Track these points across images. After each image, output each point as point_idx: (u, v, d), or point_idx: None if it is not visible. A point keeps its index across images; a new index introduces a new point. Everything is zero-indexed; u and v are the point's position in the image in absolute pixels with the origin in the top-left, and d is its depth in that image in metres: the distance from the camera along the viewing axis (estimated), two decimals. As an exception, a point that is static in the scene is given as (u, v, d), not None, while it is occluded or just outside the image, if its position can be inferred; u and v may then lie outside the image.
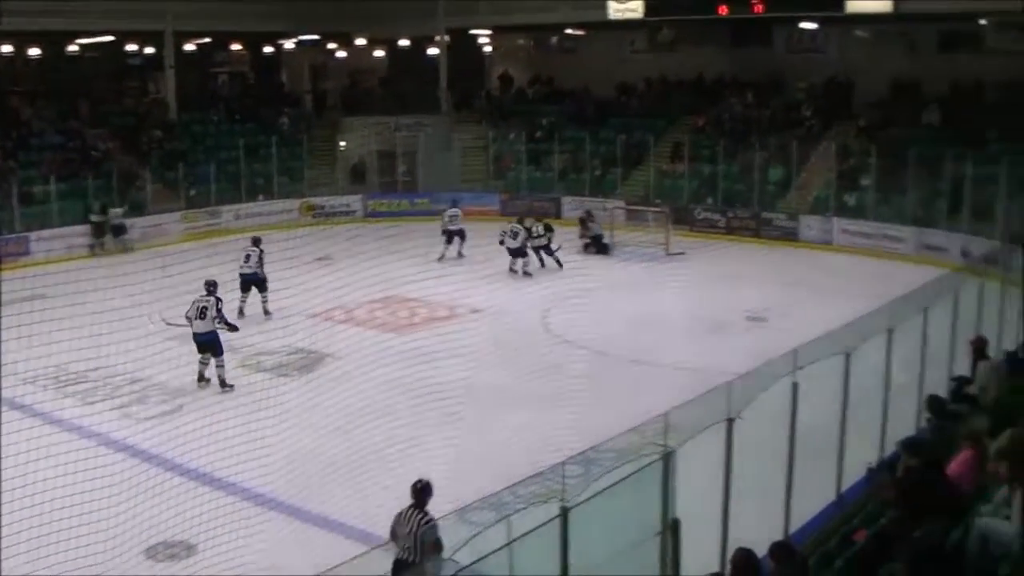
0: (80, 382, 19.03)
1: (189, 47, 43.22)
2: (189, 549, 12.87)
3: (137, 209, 35.63)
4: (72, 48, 41.42)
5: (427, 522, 10.69)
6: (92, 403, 18.22)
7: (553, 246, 30.21)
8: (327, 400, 15.71)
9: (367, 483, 13.81)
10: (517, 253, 29.49)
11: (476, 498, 9.26)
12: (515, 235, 29.57)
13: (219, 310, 19.67)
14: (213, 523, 12.47)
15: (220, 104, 43.59)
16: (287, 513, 13.93)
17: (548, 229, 30.87)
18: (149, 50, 42.83)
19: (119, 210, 34.22)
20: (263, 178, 39.72)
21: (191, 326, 19.42)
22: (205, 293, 19.66)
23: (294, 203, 38.89)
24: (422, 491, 10.99)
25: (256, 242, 24.93)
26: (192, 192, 37.56)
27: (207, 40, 43.94)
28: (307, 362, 20.56)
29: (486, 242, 29.70)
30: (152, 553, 12.80)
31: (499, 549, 7.70)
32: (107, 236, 33.62)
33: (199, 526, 12.54)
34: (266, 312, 24.25)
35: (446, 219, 32.11)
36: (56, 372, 18.70)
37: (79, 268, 24.68)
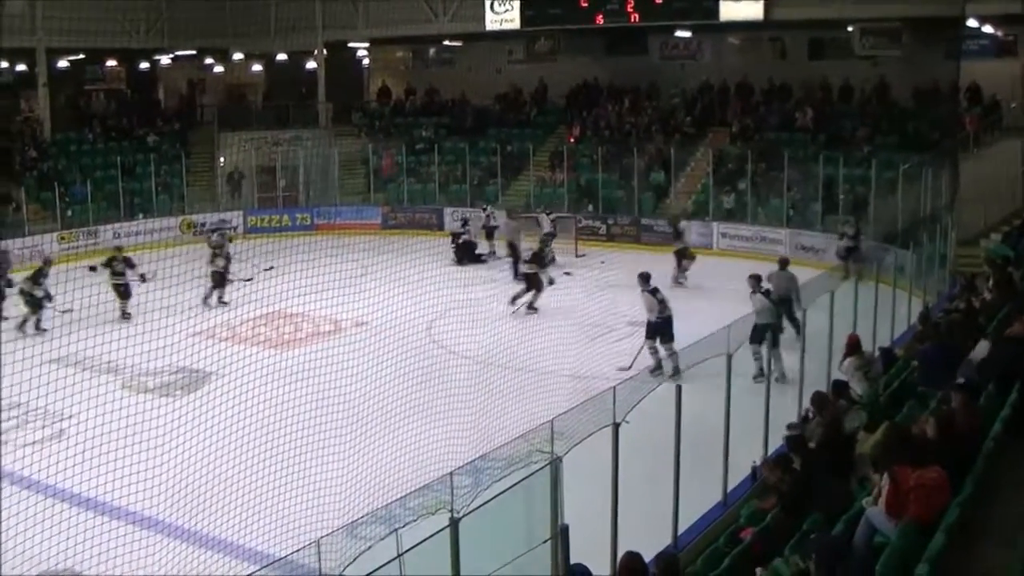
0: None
1: (62, 64, 42.39)
2: (77, 578, 12.60)
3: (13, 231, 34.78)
4: (-62, 66, 40.40)
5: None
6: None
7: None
8: (213, 419, 15.53)
9: (256, 502, 13.71)
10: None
11: (365, 512, 9.24)
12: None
13: None
14: (101, 550, 12.26)
15: (95, 121, 42.73)
16: (176, 536, 13.74)
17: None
18: (21, 67, 41.96)
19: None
20: (141, 196, 39.16)
21: None
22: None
23: (174, 221, 38.34)
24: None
25: None
26: (69, 212, 36.81)
27: (81, 56, 43.10)
28: (191, 381, 20.30)
29: (366, 256, 29.14)
30: (38, 583, 12.50)
31: (389, 562, 7.73)
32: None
33: (86, 553, 12.32)
34: None
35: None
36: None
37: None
